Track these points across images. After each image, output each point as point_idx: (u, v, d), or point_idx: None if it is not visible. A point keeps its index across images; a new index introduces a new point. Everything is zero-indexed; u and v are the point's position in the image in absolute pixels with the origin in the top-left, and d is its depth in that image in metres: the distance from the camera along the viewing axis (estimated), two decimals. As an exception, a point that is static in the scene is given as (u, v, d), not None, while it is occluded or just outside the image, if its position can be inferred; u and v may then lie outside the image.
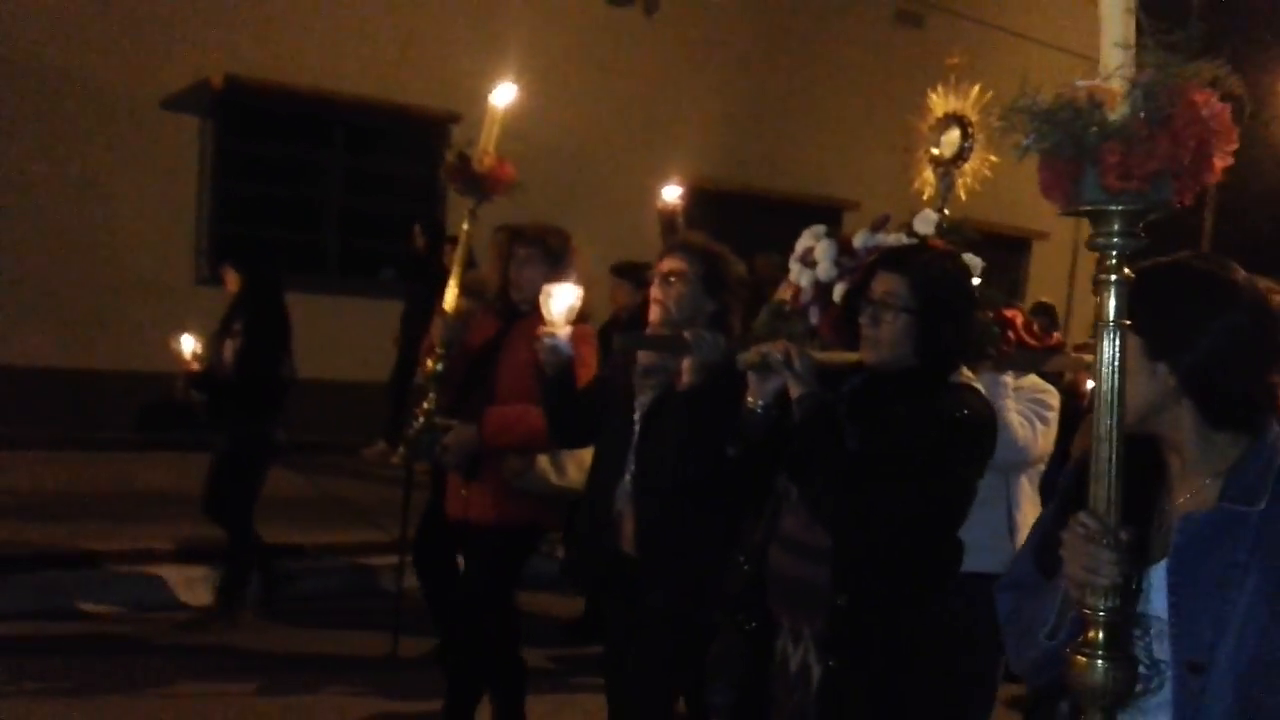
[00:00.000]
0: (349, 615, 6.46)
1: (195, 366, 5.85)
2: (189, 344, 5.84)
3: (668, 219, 4.96)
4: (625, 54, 12.10)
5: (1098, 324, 1.71)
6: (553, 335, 3.45)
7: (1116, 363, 1.71)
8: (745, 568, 3.00)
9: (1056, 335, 4.41)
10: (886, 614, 2.76)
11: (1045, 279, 15.35)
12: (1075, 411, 4.80)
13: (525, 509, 4.42)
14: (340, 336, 9.77)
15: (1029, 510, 3.90)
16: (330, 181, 11.01)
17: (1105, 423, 1.73)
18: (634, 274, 6.27)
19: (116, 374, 9.45)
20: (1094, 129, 1.61)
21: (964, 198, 3.69)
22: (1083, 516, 1.77)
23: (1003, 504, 3.81)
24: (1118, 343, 1.70)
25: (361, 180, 11.16)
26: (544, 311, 3.47)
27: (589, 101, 11.76)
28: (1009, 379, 3.82)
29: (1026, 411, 3.82)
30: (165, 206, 9.89)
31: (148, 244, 9.81)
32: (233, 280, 6.11)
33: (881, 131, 10.83)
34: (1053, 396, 3.98)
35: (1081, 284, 15.98)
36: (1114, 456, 1.73)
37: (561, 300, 3.42)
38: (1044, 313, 6.76)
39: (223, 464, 6.12)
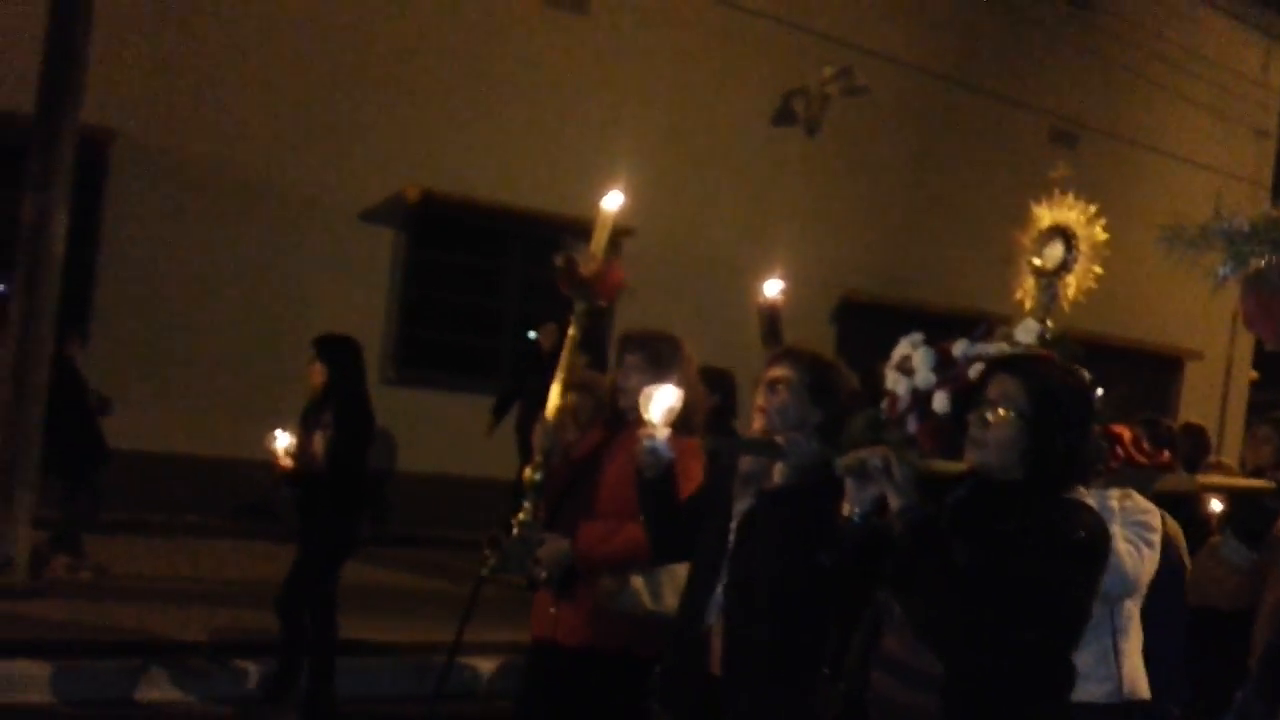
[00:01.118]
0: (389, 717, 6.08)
1: (288, 462, 5.62)
2: (283, 440, 5.61)
3: (768, 315, 4.59)
4: (786, 170, 12.02)
5: None
6: (651, 437, 3.13)
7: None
8: (840, 687, 2.79)
9: (1166, 453, 4.06)
10: None
11: (1199, 399, 14.77)
12: (1196, 532, 4.48)
13: (618, 633, 3.91)
14: (511, 436, 9.57)
15: (1134, 636, 3.64)
16: (509, 290, 11.13)
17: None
18: (711, 379, 5.73)
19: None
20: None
21: (1066, 309, 3.46)
22: None
23: (1108, 632, 3.51)
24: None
25: (537, 288, 11.14)
26: (643, 413, 3.17)
27: (751, 215, 11.68)
28: (1114, 501, 3.55)
29: (1132, 536, 3.54)
30: (357, 311, 9.93)
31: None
32: (318, 373, 5.89)
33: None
34: (1155, 518, 3.68)
35: (1234, 405, 15.10)
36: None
37: (661, 401, 3.13)
38: (1193, 434, 6.30)
39: (308, 558, 5.84)
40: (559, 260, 4.12)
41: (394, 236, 10.24)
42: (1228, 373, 15.31)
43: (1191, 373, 15.13)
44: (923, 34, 12.71)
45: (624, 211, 10.42)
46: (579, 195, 11.02)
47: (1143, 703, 3.70)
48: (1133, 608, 3.67)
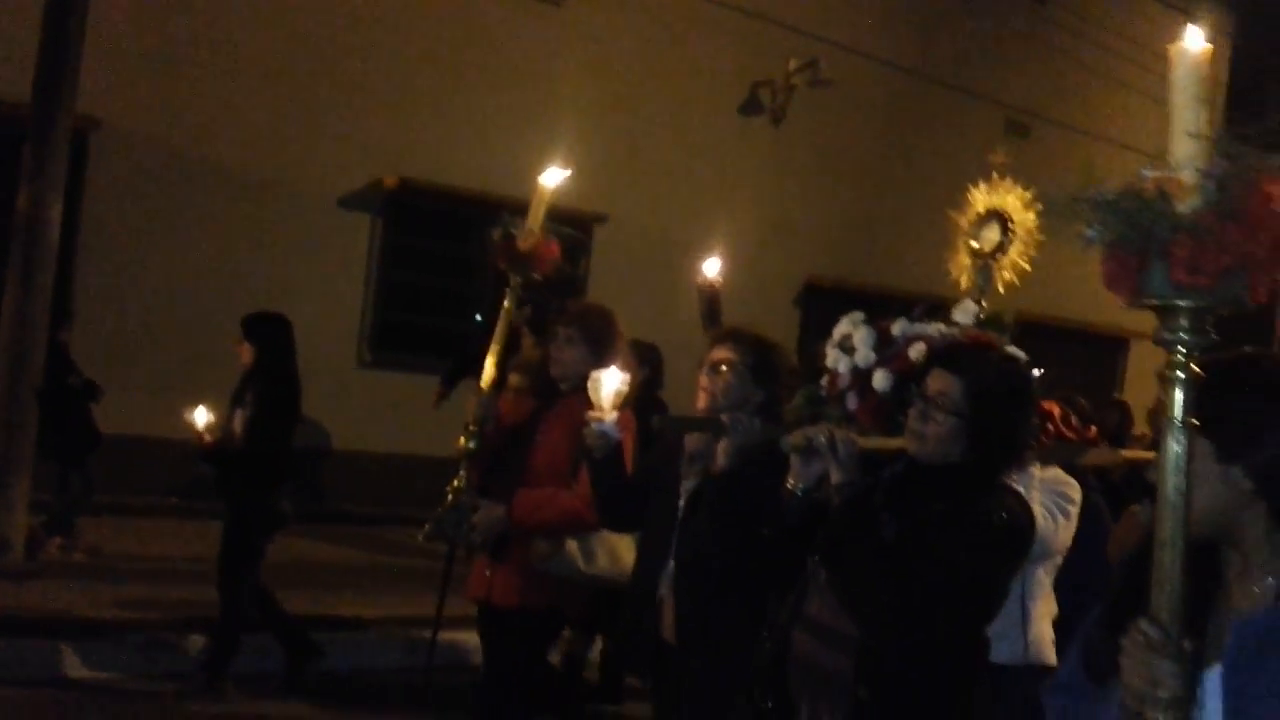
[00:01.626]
0: (383, 689, 6.02)
1: (207, 438, 5.50)
2: (202, 416, 5.48)
3: (707, 295, 4.59)
4: (753, 159, 12.07)
5: (1162, 422, 1.51)
6: (601, 420, 3.19)
7: (1182, 464, 1.49)
8: (766, 645, 2.80)
9: (1094, 429, 4.15)
10: (908, 708, 2.53)
11: (1145, 379, 14.85)
12: (1116, 501, 4.57)
13: (548, 594, 4.00)
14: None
15: (1043, 602, 3.68)
16: (482, 275, 11.02)
17: (1168, 527, 1.51)
18: (640, 352, 5.63)
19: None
20: (1162, 221, 1.43)
21: (1001, 290, 3.50)
22: (1143, 625, 1.53)
23: (1017, 596, 3.51)
24: (1183, 443, 1.49)
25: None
26: (592, 396, 3.21)
27: (717, 202, 11.63)
28: (1035, 470, 3.56)
29: (1049, 504, 3.57)
30: (335, 296, 10.02)
31: (317, 330, 9.71)
32: (246, 352, 5.75)
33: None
34: (1074, 489, 3.72)
35: None
36: (1178, 562, 1.50)
37: (609, 385, 3.18)
38: (1118, 409, 6.35)
39: (228, 535, 5.71)
40: (495, 234, 4.13)
41: (370, 223, 10.20)
42: None
43: (1135, 351, 15.20)
44: (884, 27, 12.71)
45: (598, 197, 10.65)
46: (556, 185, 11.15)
47: (1048, 667, 3.67)
48: (1044, 575, 3.69)
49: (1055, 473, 3.68)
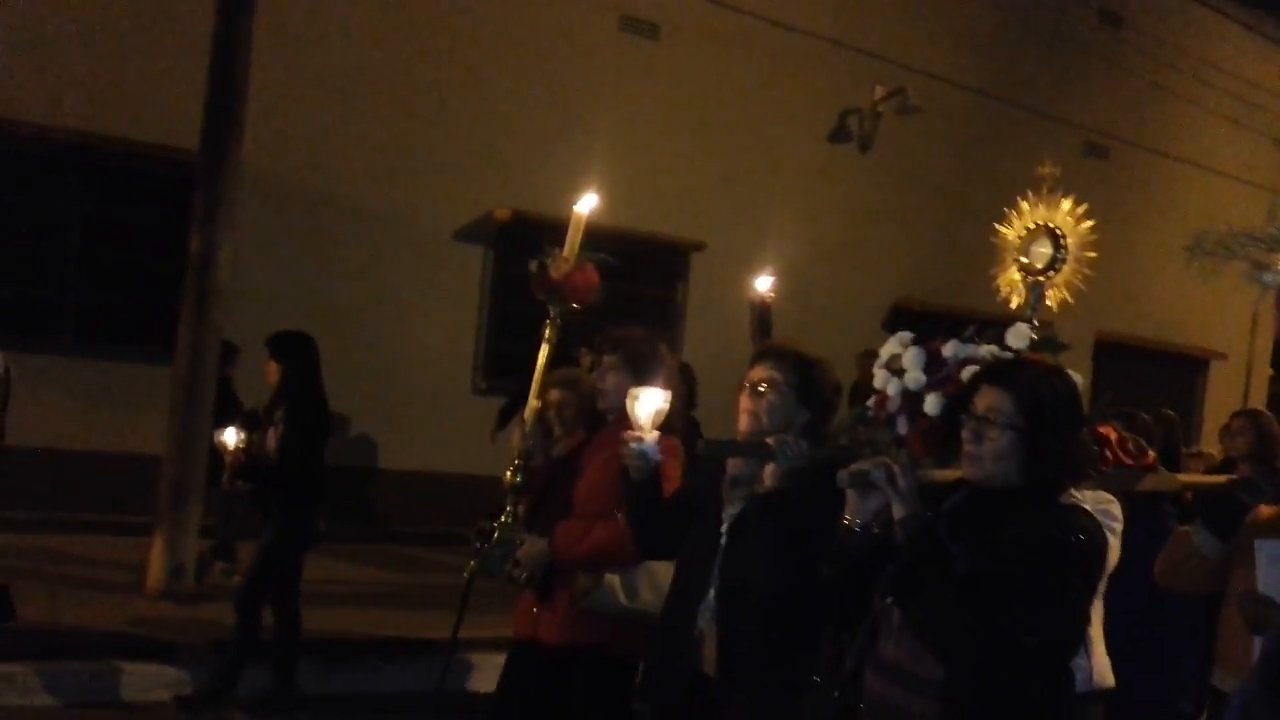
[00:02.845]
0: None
1: (241, 458, 5.40)
2: (232, 436, 5.40)
3: (759, 311, 4.41)
4: (842, 186, 12.08)
5: None
6: (639, 440, 2.93)
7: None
8: (835, 695, 2.61)
9: (1151, 455, 3.94)
10: None
11: (1222, 396, 14.74)
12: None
13: (597, 631, 3.67)
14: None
15: (1098, 625, 3.48)
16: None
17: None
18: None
19: (401, 474, 9.81)
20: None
21: (1054, 309, 3.25)
22: None
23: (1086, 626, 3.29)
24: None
25: (614, 301, 11.66)
26: (630, 415, 2.95)
27: (807, 228, 11.64)
28: (1086, 493, 3.31)
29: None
30: (450, 325, 10.17)
31: (434, 358, 10.05)
32: (273, 372, 5.62)
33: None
34: (1117, 508, 3.52)
35: (1254, 401, 15.08)
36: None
37: (648, 404, 2.93)
38: (1165, 424, 6.09)
39: (264, 554, 5.55)
40: (532, 265, 3.88)
41: (483, 254, 10.32)
42: (1248, 371, 15.34)
43: (1215, 371, 15.12)
44: (966, 53, 12.64)
45: (695, 226, 10.88)
46: (651, 212, 11.41)
47: (1108, 690, 3.52)
48: (1098, 599, 3.46)
49: (1097, 492, 3.48)
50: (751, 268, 11.87)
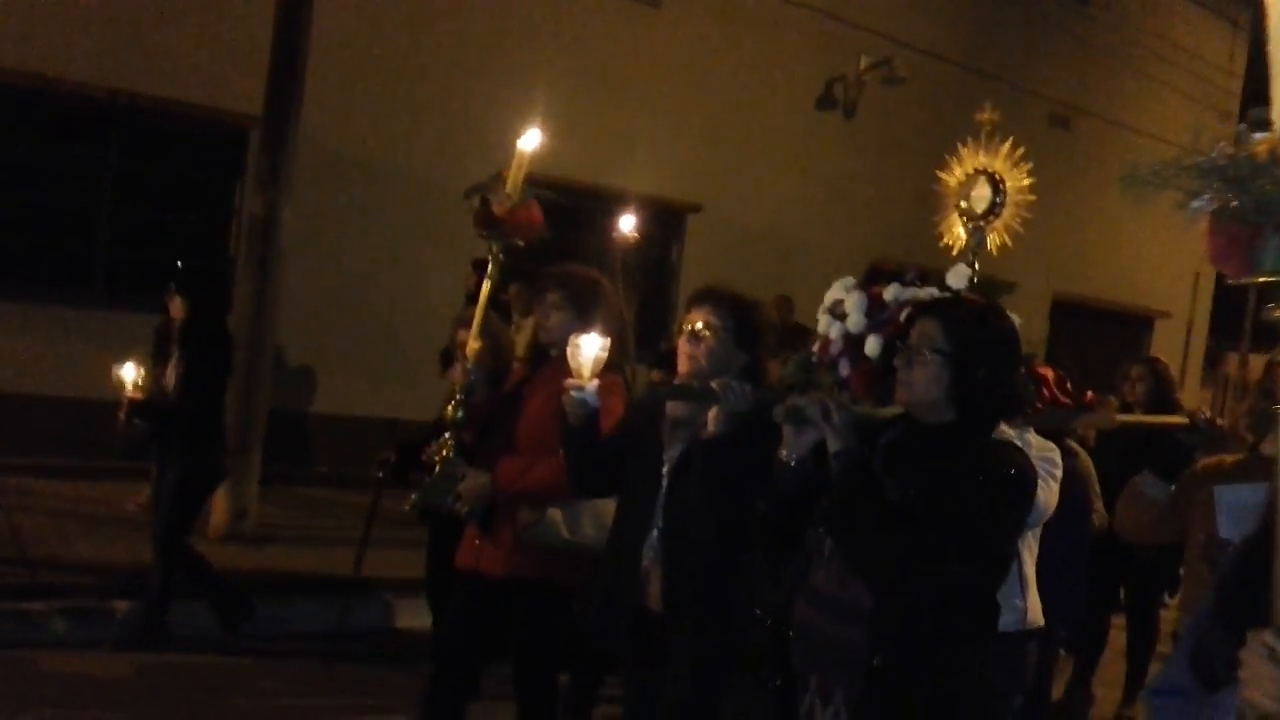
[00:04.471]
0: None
1: (137, 395, 5.05)
2: (130, 373, 5.04)
3: (625, 251, 4.28)
4: (827, 150, 12.28)
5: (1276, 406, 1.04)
6: (580, 387, 2.89)
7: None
8: (767, 622, 2.59)
9: (1090, 393, 3.85)
10: (925, 676, 2.29)
11: (1165, 353, 15.51)
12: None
13: (538, 564, 3.58)
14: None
15: (1031, 567, 3.44)
16: (590, 259, 11.75)
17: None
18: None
19: (420, 423, 10.37)
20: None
21: (994, 253, 3.18)
22: (1268, 638, 1.30)
23: (1016, 563, 3.28)
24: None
25: (607, 255, 11.87)
26: (571, 363, 2.90)
27: (795, 190, 11.85)
28: (1030, 438, 3.28)
29: (1041, 471, 3.17)
30: (461, 279, 10.29)
31: (446, 312, 10.68)
32: (178, 307, 5.29)
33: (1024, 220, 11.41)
34: (1056, 454, 3.46)
35: (1193, 358, 15.72)
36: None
37: (588, 351, 2.88)
38: (1151, 374, 5.87)
39: (176, 494, 5.26)
40: (474, 201, 3.72)
41: None
42: (1188, 328, 15.69)
43: (1160, 329, 15.52)
44: (944, 26, 12.73)
45: (691, 189, 11.26)
46: (654, 175, 11.76)
47: (1039, 629, 3.48)
48: (1032, 540, 3.43)
49: (1039, 439, 3.39)
50: (744, 229, 12.40)
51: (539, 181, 3.72)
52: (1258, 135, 1.28)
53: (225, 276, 8.58)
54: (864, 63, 12.24)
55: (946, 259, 3.18)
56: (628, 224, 4.65)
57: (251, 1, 8.27)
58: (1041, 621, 3.50)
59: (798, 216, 11.94)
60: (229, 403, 6.79)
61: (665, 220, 11.26)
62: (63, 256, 8.74)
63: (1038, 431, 3.41)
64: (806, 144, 12.08)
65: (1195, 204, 1.32)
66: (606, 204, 11.48)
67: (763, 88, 11.77)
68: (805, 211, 11.88)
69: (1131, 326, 15.00)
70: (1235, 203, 1.27)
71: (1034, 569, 3.46)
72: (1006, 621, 2.70)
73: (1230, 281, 1.35)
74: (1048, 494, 3.29)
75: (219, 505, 7.03)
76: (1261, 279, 1.29)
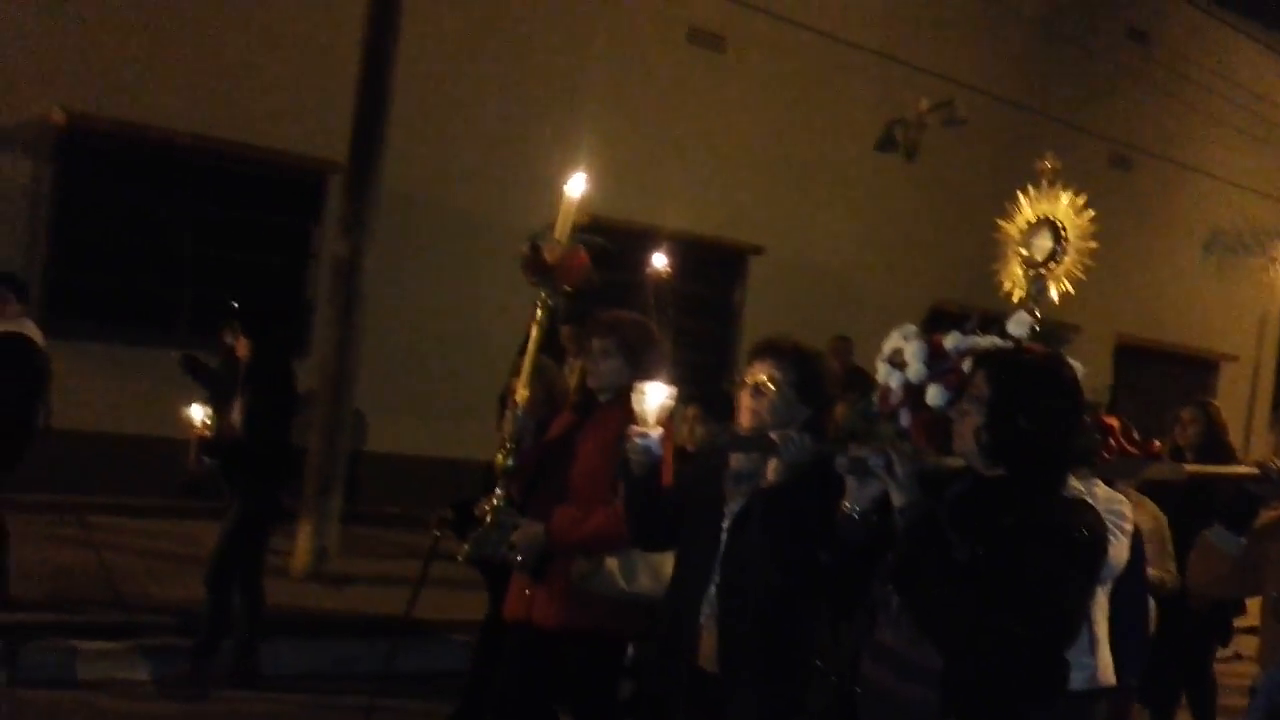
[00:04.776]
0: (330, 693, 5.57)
1: (206, 434, 5.16)
2: (198, 413, 5.16)
3: (657, 286, 4.33)
4: (888, 192, 12.30)
5: None
6: (645, 435, 2.82)
7: None
8: (832, 680, 2.55)
9: (1157, 443, 3.79)
10: None
11: (1232, 397, 14.58)
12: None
13: (591, 614, 3.53)
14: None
15: (1103, 623, 3.38)
16: (643, 300, 11.82)
17: None
18: None
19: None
20: None
21: (1056, 301, 3.13)
22: None
23: (1087, 621, 3.24)
24: None
25: (678, 302, 11.83)
26: (636, 410, 2.83)
27: (856, 231, 11.87)
28: (1098, 490, 3.23)
29: (1110, 526, 3.08)
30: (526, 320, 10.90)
31: (511, 354, 10.75)
32: (243, 347, 5.38)
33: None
34: (1127, 508, 3.41)
35: (1260, 401, 15.33)
36: None
37: (654, 399, 2.82)
38: (1204, 418, 5.74)
39: (233, 531, 5.29)
40: (523, 248, 3.68)
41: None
42: (1255, 372, 15.51)
43: (1226, 372, 15.34)
44: (1003, 67, 12.70)
45: (753, 230, 11.38)
46: (716, 217, 11.90)
47: (1110, 688, 3.41)
48: (1102, 597, 3.35)
49: (1107, 491, 3.34)
50: (805, 270, 12.50)
51: (587, 228, 3.72)
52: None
53: (303, 318, 8.81)
54: (925, 104, 12.24)
55: (1009, 301, 3.18)
56: (660, 260, 4.61)
57: (330, 51, 8.46)
58: (1113, 680, 3.45)
59: (859, 257, 11.99)
60: (312, 443, 7.05)
61: (727, 262, 11.38)
62: (149, 299, 8.97)
63: (1104, 483, 3.36)
64: (868, 185, 12.11)
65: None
66: (668, 246, 11.62)
67: (824, 129, 11.85)
68: (866, 253, 11.92)
69: (1197, 370, 14.83)
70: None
71: (1105, 627, 3.41)
72: (1075, 680, 2.65)
73: None
74: (1118, 550, 3.24)
75: (301, 546, 7.11)
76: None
